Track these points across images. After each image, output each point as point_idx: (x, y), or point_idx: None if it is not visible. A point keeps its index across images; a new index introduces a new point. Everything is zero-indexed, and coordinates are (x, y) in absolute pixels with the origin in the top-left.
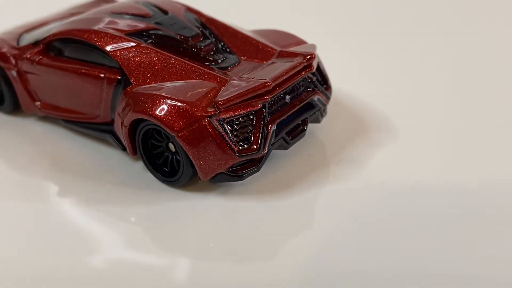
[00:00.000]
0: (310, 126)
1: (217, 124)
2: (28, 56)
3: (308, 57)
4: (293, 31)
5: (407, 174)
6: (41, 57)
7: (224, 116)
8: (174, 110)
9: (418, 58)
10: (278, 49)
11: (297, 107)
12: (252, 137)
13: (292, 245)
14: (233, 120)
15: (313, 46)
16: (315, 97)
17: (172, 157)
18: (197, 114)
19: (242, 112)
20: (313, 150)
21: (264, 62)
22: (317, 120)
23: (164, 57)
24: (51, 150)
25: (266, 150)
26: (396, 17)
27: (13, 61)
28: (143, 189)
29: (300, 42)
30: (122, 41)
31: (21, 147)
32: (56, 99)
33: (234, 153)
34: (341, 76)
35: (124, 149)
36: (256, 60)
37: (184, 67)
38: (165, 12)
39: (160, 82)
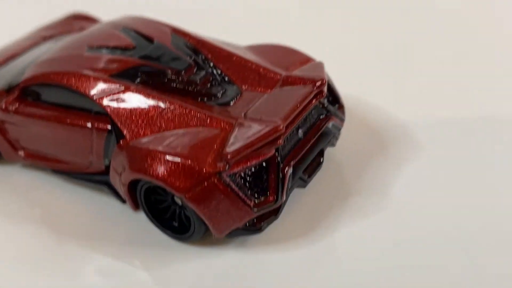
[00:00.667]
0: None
1: (228, 180)
2: (3, 105)
3: (318, 83)
4: (292, 29)
5: (439, 197)
6: (17, 105)
7: (235, 170)
8: (179, 168)
9: (437, 57)
10: (283, 73)
11: (312, 140)
12: (268, 187)
13: None
14: (244, 171)
15: (321, 66)
16: (330, 124)
17: (180, 211)
18: (205, 171)
19: (254, 162)
20: (331, 179)
21: (268, 90)
22: (332, 144)
23: (157, 101)
24: (41, 200)
25: (284, 198)
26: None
27: None
28: (151, 247)
29: (305, 60)
30: (107, 85)
31: (7, 197)
32: (41, 148)
33: (250, 208)
34: (350, 79)
35: (124, 201)
36: (259, 89)
37: (182, 112)
38: (149, 39)
39: (156, 131)
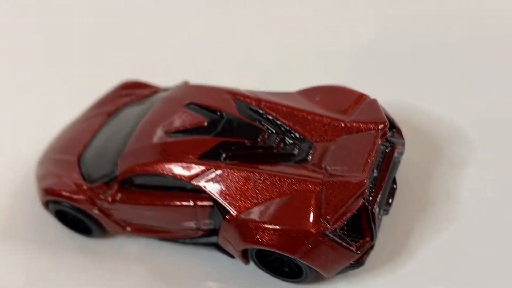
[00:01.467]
0: None
1: (331, 235)
2: (110, 199)
3: (381, 126)
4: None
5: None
6: (120, 195)
7: (335, 226)
8: (287, 235)
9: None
10: (345, 119)
11: (387, 175)
12: (363, 229)
13: None
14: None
15: (376, 104)
16: (395, 153)
17: (289, 259)
18: (311, 233)
19: (348, 215)
20: (403, 197)
21: (335, 138)
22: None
23: (248, 174)
24: (159, 267)
25: (378, 232)
26: None
27: (91, 203)
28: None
29: (357, 97)
30: (199, 167)
31: (128, 269)
32: (147, 223)
33: (354, 252)
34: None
35: (233, 257)
36: (326, 138)
37: (273, 181)
38: (217, 112)
39: (255, 203)
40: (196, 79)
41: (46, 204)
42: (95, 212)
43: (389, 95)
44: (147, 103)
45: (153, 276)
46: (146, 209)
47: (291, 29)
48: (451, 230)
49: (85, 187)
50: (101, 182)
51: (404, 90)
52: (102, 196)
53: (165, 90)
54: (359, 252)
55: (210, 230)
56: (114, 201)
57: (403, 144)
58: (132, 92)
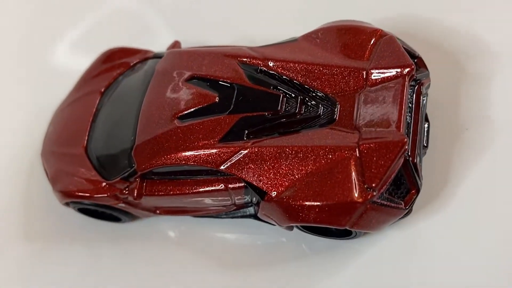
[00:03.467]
0: None
1: (379, 200)
2: (135, 195)
3: (407, 70)
4: None
5: None
6: (144, 189)
7: (382, 191)
8: (334, 209)
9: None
10: (365, 66)
11: (419, 117)
12: (408, 183)
13: None
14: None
15: (395, 43)
16: (423, 89)
17: None
18: (358, 203)
19: (393, 176)
20: (435, 129)
21: (358, 89)
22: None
23: (277, 150)
24: (197, 243)
25: (422, 179)
26: None
27: (114, 198)
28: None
29: (371, 35)
30: (225, 152)
31: (167, 248)
32: (178, 208)
33: (403, 208)
34: None
35: (273, 224)
36: (350, 91)
37: (305, 153)
38: (225, 82)
39: (292, 179)
40: (185, 35)
41: (66, 204)
42: (121, 205)
43: (390, 10)
44: (142, 74)
45: (193, 254)
46: (175, 197)
47: None
48: (490, 153)
49: (104, 184)
50: (120, 177)
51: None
52: (125, 191)
53: (157, 55)
54: (407, 207)
55: (245, 203)
56: (140, 195)
57: (427, 76)
58: (120, 61)
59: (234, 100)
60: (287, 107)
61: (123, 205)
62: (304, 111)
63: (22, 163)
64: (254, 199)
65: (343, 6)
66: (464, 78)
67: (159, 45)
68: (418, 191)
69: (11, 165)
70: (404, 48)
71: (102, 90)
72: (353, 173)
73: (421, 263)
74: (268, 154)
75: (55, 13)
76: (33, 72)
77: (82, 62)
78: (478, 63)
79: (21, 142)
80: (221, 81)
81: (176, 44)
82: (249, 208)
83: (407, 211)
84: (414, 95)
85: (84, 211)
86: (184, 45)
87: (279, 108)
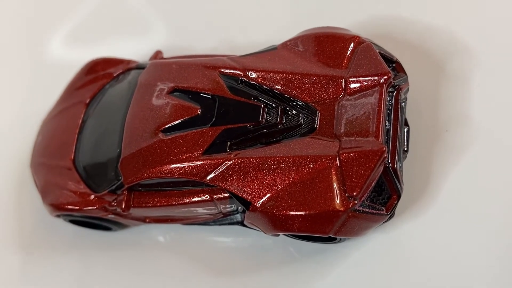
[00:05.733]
0: None
1: (361, 208)
2: (123, 207)
3: (384, 78)
4: None
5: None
6: (132, 200)
7: (363, 199)
8: (317, 218)
9: None
10: (343, 74)
11: (398, 123)
12: (389, 188)
13: None
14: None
15: (372, 50)
16: (401, 95)
17: None
18: (340, 212)
19: (373, 184)
20: (416, 131)
21: (337, 97)
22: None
23: (260, 161)
24: (186, 249)
25: (403, 184)
26: None
27: (103, 210)
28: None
29: (349, 42)
30: (206, 163)
31: (157, 255)
32: (167, 217)
33: (385, 214)
34: None
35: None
36: (329, 99)
37: (287, 163)
38: (207, 94)
39: (274, 189)
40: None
41: (57, 216)
42: (110, 216)
43: (368, 12)
44: (126, 86)
45: (181, 259)
46: (163, 208)
47: None
48: (470, 154)
49: (92, 197)
50: (107, 190)
51: (381, 2)
52: (113, 203)
53: (139, 66)
54: (389, 213)
55: (232, 211)
56: (127, 207)
57: (406, 80)
58: (103, 72)
59: (216, 112)
60: (268, 117)
61: (112, 216)
62: (285, 120)
63: (12, 170)
64: (240, 207)
65: (322, 8)
66: (442, 78)
67: (150, 36)
68: (399, 196)
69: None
70: (381, 53)
71: (87, 101)
72: (335, 183)
73: (406, 264)
74: (251, 165)
75: (45, 7)
76: (27, 69)
77: (75, 56)
78: (456, 63)
79: (13, 144)
80: (203, 93)
81: (158, 54)
82: (236, 215)
83: (389, 216)
84: (393, 101)
85: (75, 221)
86: (167, 49)
87: (260, 119)
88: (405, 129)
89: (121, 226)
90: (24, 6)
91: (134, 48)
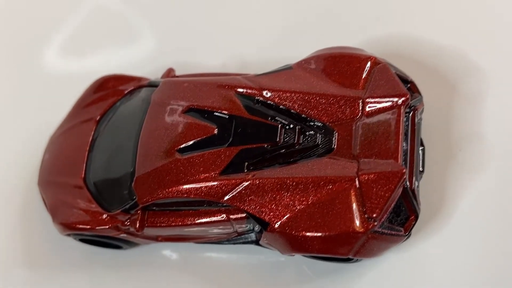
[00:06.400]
0: None
1: (380, 229)
2: (137, 226)
3: (402, 100)
4: None
5: None
6: (146, 219)
7: (382, 220)
8: (336, 240)
9: None
10: (360, 95)
11: (415, 144)
12: (407, 209)
13: None
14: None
15: (388, 72)
16: (417, 115)
17: None
18: (360, 234)
19: (392, 205)
20: (430, 150)
21: (354, 118)
22: None
23: (278, 182)
24: (198, 269)
25: (420, 204)
26: None
27: (115, 229)
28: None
29: (365, 62)
30: (227, 185)
31: (168, 275)
32: (180, 236)
33: (403, 235)
34: None
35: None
36: (346, 120)
37: (306, 184)
38: (223, 114)
39: (293, 210)
40: (176, 60)
41: (67, 235)
42: (122, 235)
43: (380, 30)
44: (138, 103)
45: (193, 278)
46: (177, 228)
47: None
48: (484, 173)
49: (105, 216)
50: (121, 209)
51: (395, 22)
52: (126, 223)
53: (152, 83)
54: (407, 234)
55: (247, 230)
56: (141, 227)
57: (421, 101)
58: (114, 89)
59: (233, 131)
60: (286, 138)
61: (124, 235)
62: (303, 141)
63: (20, 186)
64: (256, 227)
65: (333, 26)
66: (455, 99)
67: (143, 47)
68: (417, 217)
69: (8, 189)
70: (397, 74)
71: (98, 118)
72: (354, 204)
73: (422, 284)
74: (269, 185)
75: (37, 18)
76: (24, 82)
77: (71, 67)
78: (469, 84)
79: (19, 161)
80: (219, 113)
81: (170, 72)
82: (250, 234)
83: (407, 236)
84: (409, 122)
85: (85, 240)
86: (175, 66)
87: (278, 139)
88: (421, 149)
89: (132, 244)
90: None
91: (140, 63)
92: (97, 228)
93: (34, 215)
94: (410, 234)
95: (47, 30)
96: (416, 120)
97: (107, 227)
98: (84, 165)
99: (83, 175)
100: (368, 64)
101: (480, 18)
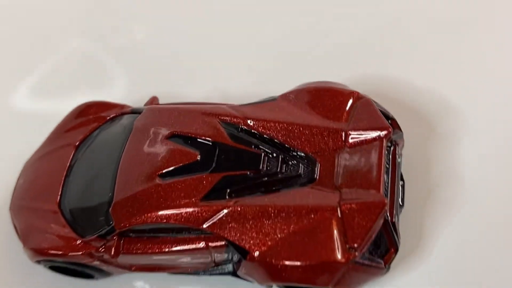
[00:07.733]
0: None
1: (361, 260)
2: (113, 253)
3: (384, 133)
4: None
5: None
6: (122, 246)
7: (364, 250)
8: (317, 269)
9: None
10: (343, 127)
11: (395, 178)
12: (387, 242)
13: None
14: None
15: (371, 106)
16: (398, 149)
17: None
18: (341, 264)
19: (373, 236)
20: (408, 186)
21: (337, 149)
22: None
23: (260, 210)
24: None
25: (400, 238)
26: None
27: (89, 256)
28: None
29: (348, 97)
30: (207, 211)
31: None
32: (155, 265)
33: (383, 268)
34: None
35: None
36: (329, 151)
37: (287, 213)
38: (206, 140)
39: (273, 238)
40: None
41: (38, 262)
42: (96, 263)
43: (361, 71)
44: (119, 130)
45: None
46: (154, 255)
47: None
48: (461, 208)
49: (78, 241)
50: (96, 234)
51: (375, 63)
52: (101, 249)
53: (134, 110)
54: (387, 267)
55: (225, 260)
56: (117, 254)
57: (401, 137)
58: (95, 115)
59: (216, 158)
60: (268, 166)
61: (97, 262)
62: (285, 170)
63: None
64: (234, 256)
65: (315, 65)
66: (433, 137)
67: (117, 89)
68: (396, 250)
69: None
70: (379, 109)
71: (77, 144)
72: (335, 233)
73: None
74: (250, 213)
75: (11, 60)
76: None
77: (42, 107)
78: (446, 123)
79: None
80: (202, 139)
81: (154, 99)
82: (227, 265)
83: (386, 269)
84: (390, 156)
85: (55, 268)
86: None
87: (260, 167)
88: (401, 184)
89: (105, 274)
90: None
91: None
92: (70, 254)
93: (3, 241)
94: (389, 268)
95: (22, 71)
96: (397, 154)
97: (80, 253)
98: (60, 190)
99: (58, 200)
100: (351, 98)
101: (458, 61)
